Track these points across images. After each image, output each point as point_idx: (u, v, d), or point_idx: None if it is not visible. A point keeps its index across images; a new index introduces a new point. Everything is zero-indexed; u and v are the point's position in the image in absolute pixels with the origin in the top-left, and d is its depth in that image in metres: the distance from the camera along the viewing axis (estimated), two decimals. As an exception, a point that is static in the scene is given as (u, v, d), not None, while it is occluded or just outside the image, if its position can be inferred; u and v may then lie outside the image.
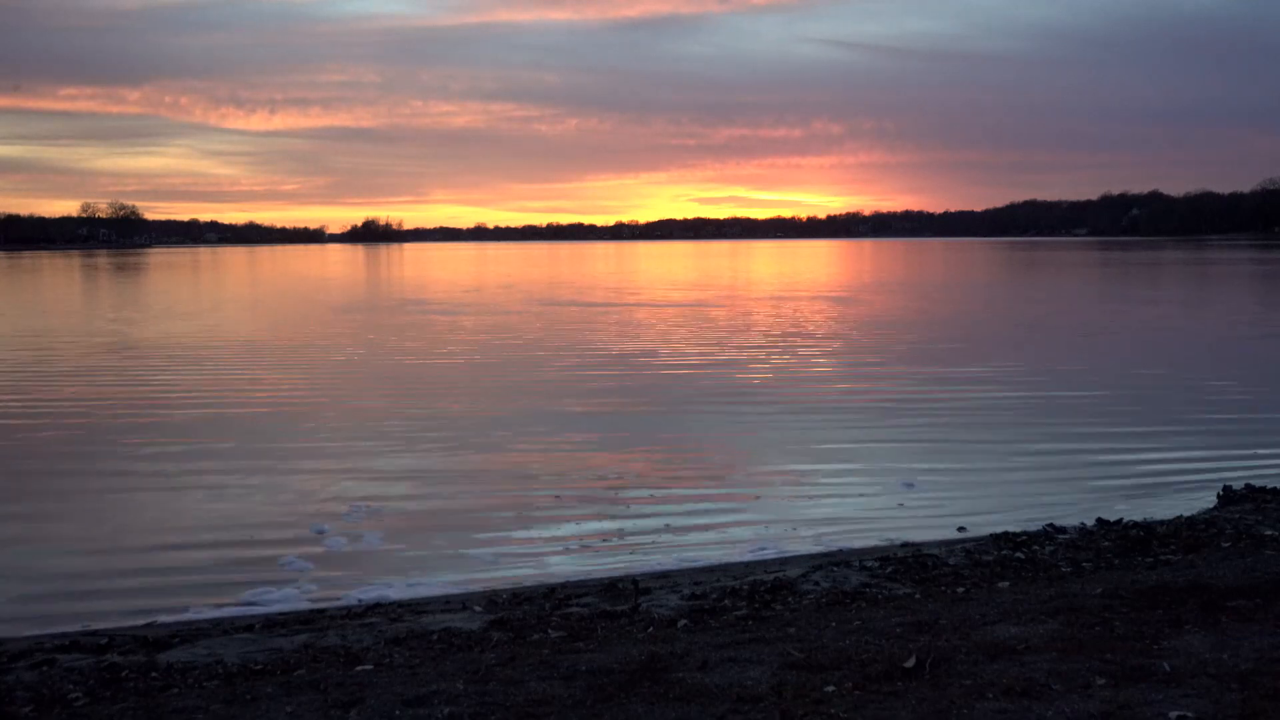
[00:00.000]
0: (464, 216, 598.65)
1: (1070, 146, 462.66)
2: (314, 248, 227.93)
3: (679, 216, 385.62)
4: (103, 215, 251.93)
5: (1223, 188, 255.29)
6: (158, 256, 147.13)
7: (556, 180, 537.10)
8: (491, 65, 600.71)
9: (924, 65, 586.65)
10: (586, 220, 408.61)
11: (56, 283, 67.47)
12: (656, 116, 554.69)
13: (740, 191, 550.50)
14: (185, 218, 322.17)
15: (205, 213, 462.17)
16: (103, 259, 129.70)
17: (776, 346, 24.85)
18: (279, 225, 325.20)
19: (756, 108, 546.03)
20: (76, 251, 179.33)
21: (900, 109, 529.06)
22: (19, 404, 17.02)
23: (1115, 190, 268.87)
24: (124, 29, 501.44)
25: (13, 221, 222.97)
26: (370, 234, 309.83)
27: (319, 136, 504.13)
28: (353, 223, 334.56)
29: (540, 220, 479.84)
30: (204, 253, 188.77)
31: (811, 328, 29.92)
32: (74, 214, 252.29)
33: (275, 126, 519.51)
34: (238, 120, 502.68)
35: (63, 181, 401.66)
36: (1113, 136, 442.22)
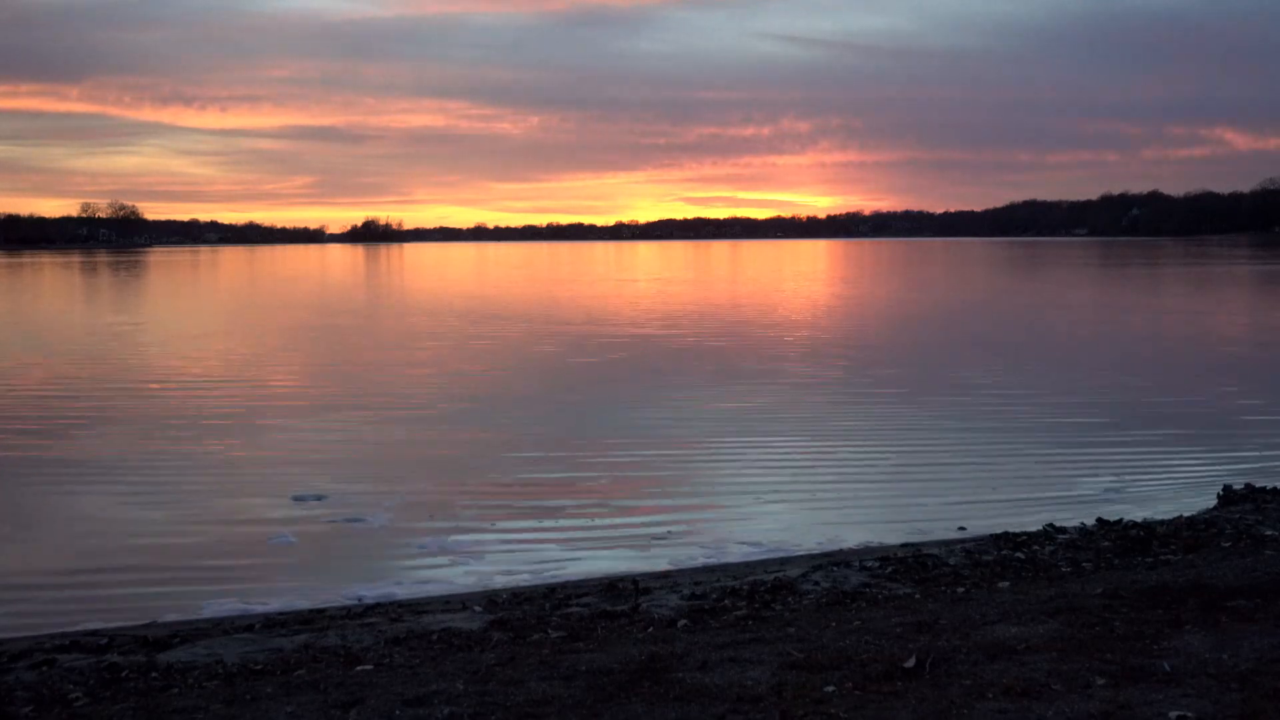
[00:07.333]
0: (455, 216, 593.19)
1: (1063, 146, 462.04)
2: (322, 248, 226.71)
3: (672, 216, 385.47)
4: (103, 215, 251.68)
5: (1222, 188, 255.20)
6: (178, 256, 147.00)
7: (538, 180, 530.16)
8: (434, 61, 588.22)
9: (884, 62, 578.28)
10: (586, 220, 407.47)
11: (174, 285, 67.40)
12: (621, 115, 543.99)
13: (726, 191, 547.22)
14: (170, 218, 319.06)
15: (187, 213, 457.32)
16: (145, 258, 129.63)
17: (787, 350, 24.85)
18: (279, 225, 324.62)
19: (722, 105, 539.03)
20: (78, 251, 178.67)
21: (867, 106, 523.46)
22: (18, 402, 17.03)
23: (1115, 190, 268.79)
24: (47, 24, 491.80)
25: (13, 221, 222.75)
26: (371, 234, 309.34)
27: (285, 136, 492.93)
28: (348, 223, 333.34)
29: (533, 220, 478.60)
30: (224, 252, 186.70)
31: (824, 331, 29.92)
32: (69, 214, 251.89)
33: (232, 125, 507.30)
34: (190, 118, 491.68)
35: (41, 181, 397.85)
36: (1106, 135, 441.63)
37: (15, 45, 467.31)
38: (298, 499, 10.64)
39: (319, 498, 10.68)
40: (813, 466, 12.11)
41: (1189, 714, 4.35)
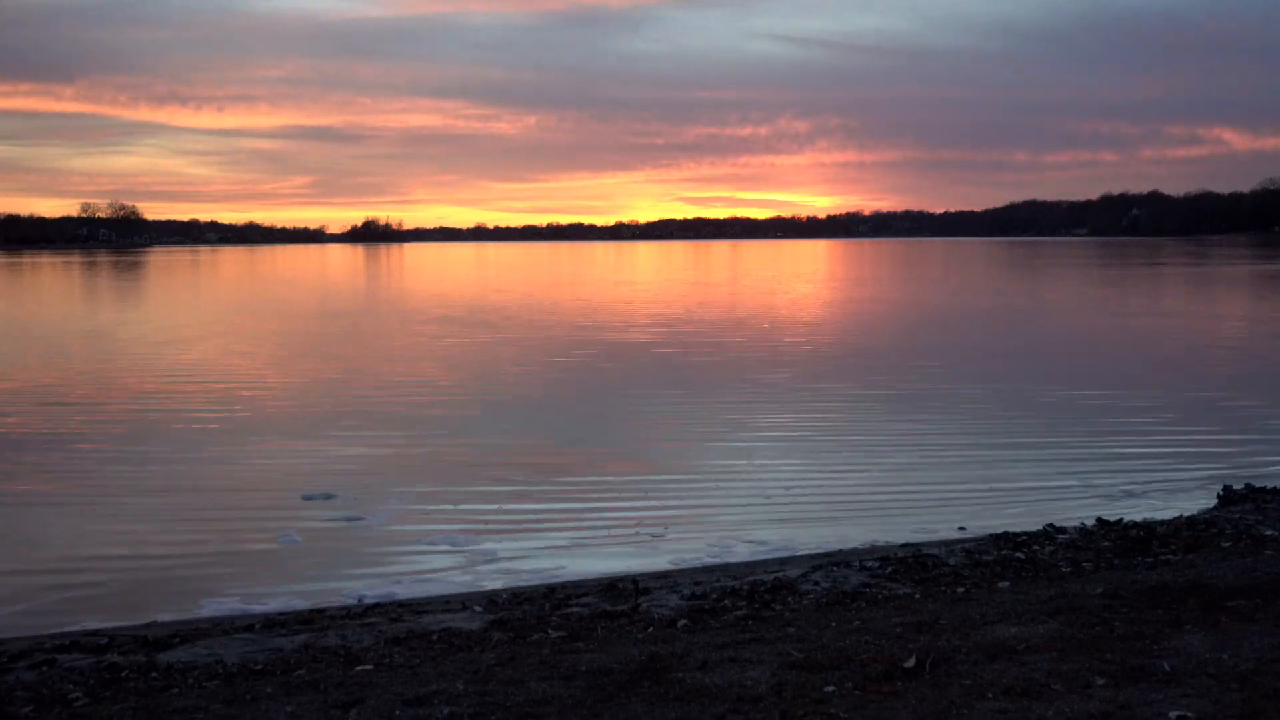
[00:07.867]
0: (454, 216, 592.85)
1: (1063, 146, 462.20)
2: (323, 248, 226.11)
3: (672, 216, 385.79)
4: (103, 215, 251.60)
5: (1222, 188, 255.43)
6: (179, 256, 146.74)
7: (537, 179, 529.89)
8: (430, 61, 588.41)
9: (882, 61, 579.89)
10: (586, 220, 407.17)
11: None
12: (619, 114, 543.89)
13: (725, 191, 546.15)
14: (169, 218, 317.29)
15: (186, 213, 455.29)
16: (145, 258, 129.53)
17: (787, 351, 24.85)
18: (279, 225, 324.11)
19: (719, 105, 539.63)
20: (78, 251, 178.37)
21: (866, 106, 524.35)
22: (23, 400, 17.02)
23: (1115, 190, 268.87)
24: (39, 23, 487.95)
25: (13, 221, 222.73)
26: (371, 234, 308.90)
27: (282, 135, 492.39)
28: (348, 223, 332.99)
29: (532, 220, 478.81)
30: (224, 252, 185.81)
31: (824, 333, 29.90)
32: (68, 214, 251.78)
33: (229, 125, 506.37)
34: (186, 118, 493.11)
35: (38, 181, 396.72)
36: (1105, 135, 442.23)
37: (8, 45, 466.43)
38: (307, 498, 10.66)
39: (328, 497, 10.68)
40: (813, 466, 12.11)
41: (1189, 714, 4.35)
